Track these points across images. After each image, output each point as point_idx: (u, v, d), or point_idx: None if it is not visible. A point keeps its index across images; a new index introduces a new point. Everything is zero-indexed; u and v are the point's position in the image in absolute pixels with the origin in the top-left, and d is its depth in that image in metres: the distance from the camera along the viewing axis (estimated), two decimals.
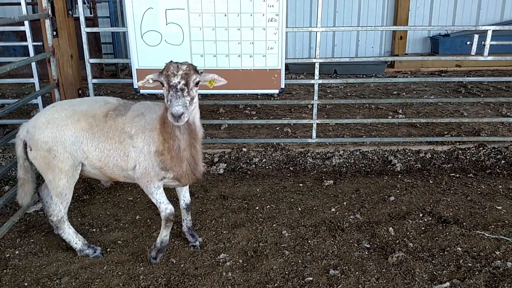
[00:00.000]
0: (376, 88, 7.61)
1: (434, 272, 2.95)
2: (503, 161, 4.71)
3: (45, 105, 4.83)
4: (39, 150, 2.86)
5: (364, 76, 8.51)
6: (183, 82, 2.49)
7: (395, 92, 7.29)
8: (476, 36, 4.33)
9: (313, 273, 2.96)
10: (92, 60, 4.41)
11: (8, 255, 3.16)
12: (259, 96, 6.74)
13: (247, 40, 4.31)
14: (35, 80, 4.69)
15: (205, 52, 4.35)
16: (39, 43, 4.78)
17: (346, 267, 3.02)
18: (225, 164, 4.68)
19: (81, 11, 4.17)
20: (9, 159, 4.59)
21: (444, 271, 2.96)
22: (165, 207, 2.92)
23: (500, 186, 4.14)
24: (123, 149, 2.83)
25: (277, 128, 5.57)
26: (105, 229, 3.49)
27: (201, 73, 2.64)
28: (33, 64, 4.64)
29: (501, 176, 4.41)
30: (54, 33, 4.10)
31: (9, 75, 7.12)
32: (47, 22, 4.03)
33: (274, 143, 4.98)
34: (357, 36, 9.68)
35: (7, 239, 3.37)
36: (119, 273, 2.97)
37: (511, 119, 5.21)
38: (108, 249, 3.22)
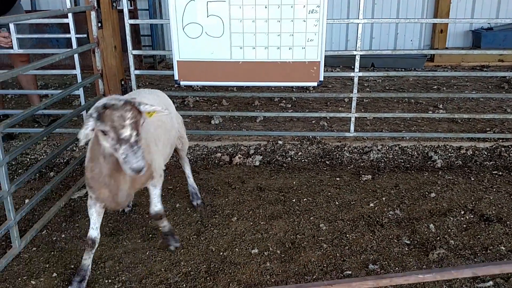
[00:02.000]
0: (415, 82, 7.45)
1: None
2: None
3: (86, 95, 4.98)
4: None
5: (403, 69, 8.33)
6: (135, 133, 2.20)
7: (435, 87, 7.11)
8: None
9: (352, 267, 2.95)
10: (135, 52, 4.50)
11: (54, 238, 3.30)
12: (294, 89, 6.72)
13: (287, 32, 4.29)
14: (77, 71, 4.78)
15: (245, 44, 4.36)
16: (82, 35, 4.90)
17: (386, 262, 2.99)
18: (261, 156, 4.70)
19: (125, 3, 4.27)
20: (53, 147, 4.77)
21: None
22: (89, 229, 2.77)
23: None
24: None
25: (313, 122, 5.55)
26: (147, 216, 3.58)
27: (140, 105, 2.31)
28: (76, 56, 4.75)
29: None
30: (99, 24, 4.21)
31: (52, 66, 7.34)
32: (93, 14, 4.14)
33: (310, 136, 4.96)
34: (396, 29, 9.48)
35: (53, 223, 3.51)
36: (160, 259, 3.04)
37: None
38: (150, 235, 3.31)
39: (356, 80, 4.56)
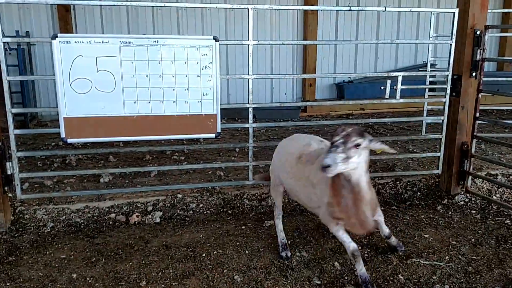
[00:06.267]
0: (294, 131, 8.00)
1: None
2: (418, 193, 5.19)
3: None
4: None
5: (281, 120, 8.92)
6: (341, 141, 2.72)
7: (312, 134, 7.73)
8: (389, 81, 4.84)
9: None
10: (14, 110, 4.10)
11: None
12: (184, 142, 6.72)
13: (182, 86, 4.35)
14: None
15: (139, 98, 4.29)
16: None
17: None
18: (161, 212, 4.54)
19: (3, 59, 3.90)
20: None
21: None
22: (348, 246, 3.17)
23: (422, 216, 4.54)
24: (307, 192, 3.32)
25: (210, 172, 5.57)
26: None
27: (371, 140, 2.85)
28: None
29: (420, 206, 4.84)
30: None
31: None
32: None
33: (210, 187, 4.97)
34: (271, 84, 10.20)
35: None
36: None
37: (422, 154, 5.75)
38: None
39: (251, 130, 4.76)
